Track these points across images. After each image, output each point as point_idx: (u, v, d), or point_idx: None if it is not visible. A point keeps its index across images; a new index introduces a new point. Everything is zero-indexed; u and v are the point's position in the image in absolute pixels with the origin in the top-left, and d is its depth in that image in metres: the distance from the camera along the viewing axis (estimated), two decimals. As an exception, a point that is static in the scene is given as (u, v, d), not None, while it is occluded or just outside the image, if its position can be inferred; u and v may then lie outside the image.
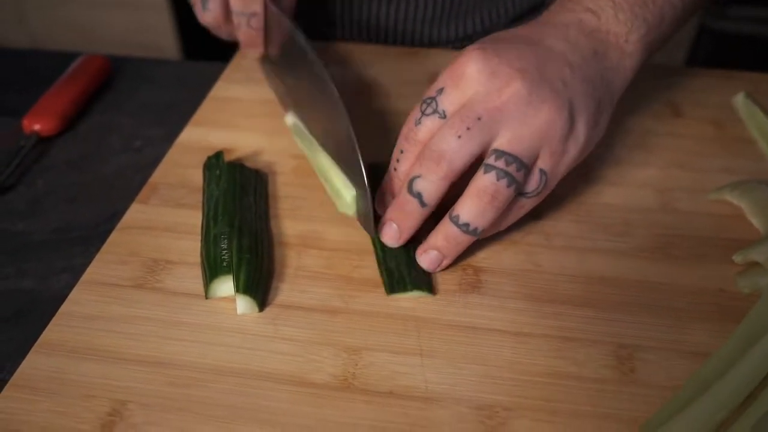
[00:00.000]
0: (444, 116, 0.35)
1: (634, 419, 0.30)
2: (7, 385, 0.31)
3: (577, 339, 0.34)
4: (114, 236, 0.39)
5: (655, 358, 0.33)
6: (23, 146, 0.48)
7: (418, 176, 0.34)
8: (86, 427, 0.30)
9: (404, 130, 0.36)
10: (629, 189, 0.44)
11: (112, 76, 0.59)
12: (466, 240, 0.35)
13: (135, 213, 0.41)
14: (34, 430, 0.29)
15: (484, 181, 0.34)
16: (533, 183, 0.35)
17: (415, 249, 0.37)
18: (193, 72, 0.60)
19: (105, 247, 0.39)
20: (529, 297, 0.36)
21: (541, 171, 0.35)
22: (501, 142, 0.34)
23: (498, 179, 0.33)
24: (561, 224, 0.41)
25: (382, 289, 0.36)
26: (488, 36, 0.38)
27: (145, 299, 0.36)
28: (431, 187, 0.34)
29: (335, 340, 0.34)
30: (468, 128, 0.33)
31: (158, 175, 0.44)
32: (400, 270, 0.36)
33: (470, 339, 0.34)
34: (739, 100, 0.50)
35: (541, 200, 0.37)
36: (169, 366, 0.32)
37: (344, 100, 0.37)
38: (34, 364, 0.32)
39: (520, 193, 0.35)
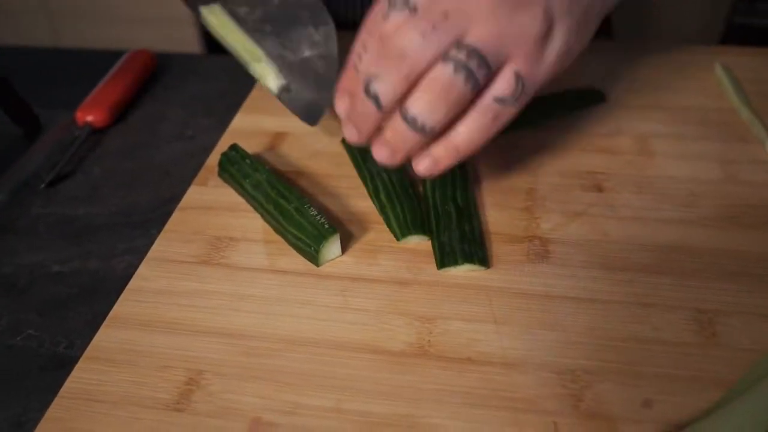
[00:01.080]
0: (415, 10, 0.30)
1: (722, 380, 0.29)
2: (82, 357, 0.32)
3: (655, 305, 0.33)
4: (176, 216, 0.40)
5: (737, 322, 0.32)
6: (78, 136, 0.49)
7: (376, 76, 0.31)
8: (165, 396, 0.29)
9: (368, 23, 0.32)
10: (691, 162, 0.43)
11: (158, 71, 0.59)
12: (413, 137, 0.32)
13: (194, 194, 0.41)
14: (113, 399, 0.29)
15: (439, 72, 0.30)
16: (509, 87, 0.31)
17: (469, 226, 0.37)
18: (237, 64, 0.60)
19: (168, 226, 0.39)
20: (600, 265, 0.35)
21: (517, 73, 0.31)
22: (468, 37, 0.30)
23: (455, 72, 0.30)
24: (624, 195, 0.40)
25: (449, 261, 0.36)
26: None
27: (213, 274, 0.35)
28: (388, 88, 0.31)
29: (407, 309, 0.33)
30: (434, 26, 0.30)
31: (214, 158, 0.44)
32: (452, 244, 0.36)
33: (544, 306, 0.33)
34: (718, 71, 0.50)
35: (520, 109, 0.33)
36: (242, 337, 0.32)
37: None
38: (107, 337, 0.32)
39: (499, 100, 0.32)
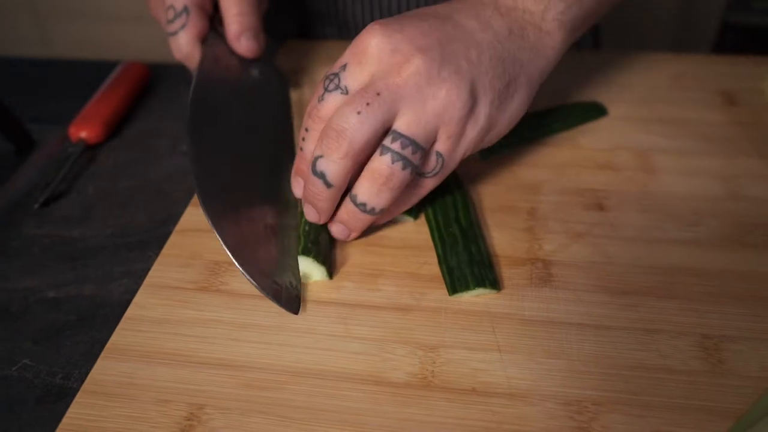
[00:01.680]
0: (346, 92, 0.34)
1: (730, 411, 0.29)
2: (80, 391, 0.31)
3: (661, 330, 0.33)
4: (173, 239, 0.39)
5: (745, 348, 0.32)
6: (71, 153, 0.48)
7: (321, 156, 0.33)
8: (165, 432, 0.29)
9: (308, 108, 0.35)
10: (693, 178, 0.42)
11: (152, 83, 0.58)
12: (365, 218, 0.35)
13: (191, 216, 0.41)
14: (112, 436, 0.29)
15: (379, 163, 0.33)
16: (431, 164, 0.34)
17: (476, 247, 0.36)
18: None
19: (165, 251, 0.38)
20: (605, 289, 0.35)
21: (438, 153, 0.34)
22: (399, 123, 0.33)
23: (393, 162, 0.32)
24: (626, 215, 0.40)
25: (451, 286, 0.35)
26: (400, 15, 0.36)
27: (212, 302, 0.35)
28: (333, 167, 0.33)
29: (410, 337, 0.33)
30: (368, 104, 0.32)
31: (211, 177, 0.43)
32: (461, 268, 0.35)
33: (549, 333, 0.33)
34: None
35: (442, 180, 0.36)
36: (243, 368, 0.31)
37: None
38: (104, 369, 0.32)
39: (418, 173, 0.35)
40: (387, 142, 0.33)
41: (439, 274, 0.36)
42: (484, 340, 0.32)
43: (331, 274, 0.36)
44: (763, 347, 0.32)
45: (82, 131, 0.50)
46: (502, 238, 0.38)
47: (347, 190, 0.35)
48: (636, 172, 0.43)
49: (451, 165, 0.35)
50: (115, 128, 0.52)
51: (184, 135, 0.51)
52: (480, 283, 0.34)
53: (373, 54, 0.33)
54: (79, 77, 0.59)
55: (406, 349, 0.32)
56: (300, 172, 0.37)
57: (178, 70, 0.60)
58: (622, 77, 0.53)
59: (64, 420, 0.30)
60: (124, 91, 0.54)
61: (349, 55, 0.34)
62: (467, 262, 0.35)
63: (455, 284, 0.35)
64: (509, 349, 0.32)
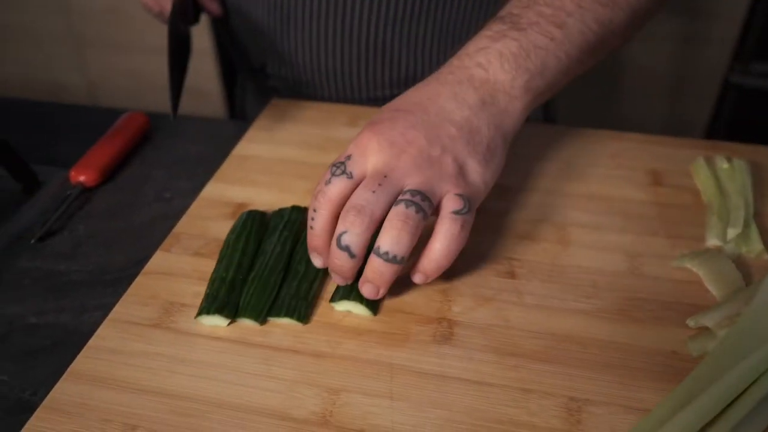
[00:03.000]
0: (351, 177, 0.41)
1: (576, 466, 0.34)
2: (40, 407, 0.37)
3: (534, 390, 0.38)
4: (138, 280, 0.46)
5: (603, 411, 0.37)
6: (69, 195, 0.55)
7: (344, 232, 0.39)
8: (101, 447, 0.35)
9: (316, 191, 0.42)
10: (602, 253, 0.48)
11: (152, 131, 0.66)
12: (389, 269, 0.40)
13: (158, 260, 0.47)
14: (58, 447, 0.35)
15: (395, 211, 0.39)
16: (458, 203, 0.41)
17: (307, 286, 0.44)
18: (225, 129, 0.67)
19: (130, 290, 0.45)
20: (495, 350, 0.40)
21: (458, 194, 0.41)
22: (407, 186, 0.41)
23: (406, 207, 0.39)
24: (533, 284, 0.45)
25: (366, 336, 0.41)
26: (389, 103, 0.45)
27: (160, 337, 0.41)
28: (356, 239, 0.39)
29: (318, 380, 0.38)
30: (379, 184, 0.40)
31: (181, 226, 0.50)
32: (284, 298, 0.43)
33: (437, 386, 0.38)
34: (698, 164, 0.54)
35: (473, 218, 0.42)
36: (175, 397, 0.38)
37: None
38: (63, 390, 0.38)
39: (455, 212, 0.40)
40: (399, 197, 0.40)
41: (357, 325, 0.42)
42: (380, 388, 0.38)
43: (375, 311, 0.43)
44: (618, 411, 0.37)
45: (81, 175, 0.57)
46: (418, 297, 0.44)
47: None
48: (552, 244, 0.48)
49: (476, 201, 0.43)
50: (111, 173, 0.59)
51: (170, 183, 0.58)
52: (289, 313, 0.42)
53: (374, 147, 0.41)
54: (88, 122, 0.67)
55: (312, 390, 0.38)
56: (316, 247, 0.43)
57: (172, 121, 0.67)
58: (566, 152, 0.58)
59: (22, 431, 0.36)
60: (123, 140, 0.62)
61: (353, 147, 0.42)
62: (292, 295, 0.43)
63: (271, 309, 0.42)
64: (400, 397, 0.37)
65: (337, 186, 0.41)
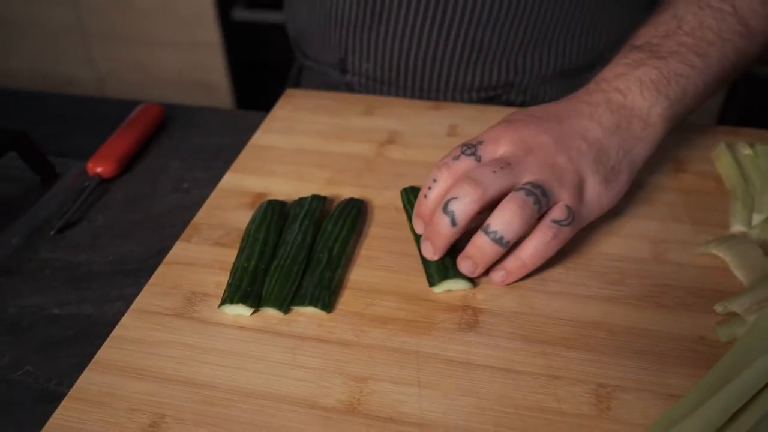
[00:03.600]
0: (479, 160, 0.43)
1: (607, 452, 0.34)
2: (67, 396, 0.37)
3: (563, 377, 0.37)
4: (160, 270, 0.45)
5: (632, 398, 0.36)
6: (87, 186, 0.55)
7: (454, 198, 0.40)
8: (130, 436, 0.35)
9: (440, 163, 0.43)
10: (627, 240, 0.47)
11: (167, 123, 0.66)
12: (492, 249, 0.41)
13: (179, 250, 0.47)
14: (87, 436, 0.35)
15: (514, 195, 0.40)
16: (562, 213, 0.41)
17: (329, 274, 0.43)
18: (240, 120, 0.66)
19: (152, 280, 0.45)
20: (522, 337, 0.40)
21: (567, 206, 0.42)
22: (528, 178, 0.41)
23: (527, 195, 0.40)
24: (558, 271, 0.45)
25: (391, 325, 0.41)
26: (529, 107, 0.46)
27: (184, 327, 0.41)
28: (464, 207, 0.40)
29: (345, 369, 0.38)
30: (501, 167, 0.41)
31: (200, 216, 0.50)
32: (307, 287, 0.42)
33: (465, 374, 0.38)
34: (721, 150, 0.54)
35: (573, 233, 0.43)
36: (202, 386, 0.37)
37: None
38: (88, 379, 0.38)
39: (555, 221, 0.41)
40: (520, 185, 0.41)
41: (381, 314, 0.41)
42: (407, 376, 0.38)
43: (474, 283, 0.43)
44: (648, 397, 0.36)
45: (99, 167, 0.57)
46: (443, 286, 0.44)
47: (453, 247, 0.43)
48: (577, 232, 0.48)
49: (580, 221, 0.43)
50: (128, 164, 0.59)
51: (187, 174, 0.58)
52: (312, 302, 0.41)
53: (507, 139, 0.43)
54: (102, 114, 0.67)
55: (339, 378, 0.38)
56: (421, 215, 0.44)
57: (190, 112, 0.67)
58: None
59: (50, 421, 0.36)
60: (138, 131, 0.61)
61: (486, 136, 0.44)
62: (315, 284, 0.42)
63: (295, 298, 0.42)
64: (428, 385, 0.37)
65: (464, 163, 0.42)
